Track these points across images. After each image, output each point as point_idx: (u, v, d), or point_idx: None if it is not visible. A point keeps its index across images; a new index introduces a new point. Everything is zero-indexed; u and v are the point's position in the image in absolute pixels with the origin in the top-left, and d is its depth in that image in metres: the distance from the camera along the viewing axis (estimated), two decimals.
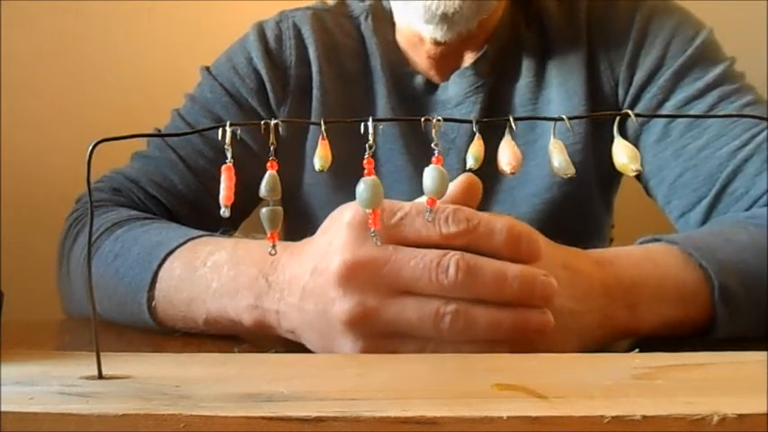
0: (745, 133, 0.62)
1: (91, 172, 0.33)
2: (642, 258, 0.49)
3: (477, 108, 0.73)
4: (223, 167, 0.34)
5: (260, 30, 0.77)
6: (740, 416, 0.29)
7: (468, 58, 0.74)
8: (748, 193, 0.60)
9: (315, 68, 0.76)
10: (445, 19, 0.66)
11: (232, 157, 0.34)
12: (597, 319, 0.45)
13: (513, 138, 0.34)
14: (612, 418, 0.29)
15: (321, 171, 0.34)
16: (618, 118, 0.35)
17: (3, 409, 0.31)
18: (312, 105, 0.76)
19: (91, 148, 0.33)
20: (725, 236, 0.52)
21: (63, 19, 1.12)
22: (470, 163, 0.34)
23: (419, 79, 0.75)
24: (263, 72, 0.76)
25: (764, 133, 0.61)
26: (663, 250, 0.50)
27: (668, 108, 0.67)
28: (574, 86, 0.71)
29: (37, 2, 1.10)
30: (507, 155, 0.34)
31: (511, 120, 0.34)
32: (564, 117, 0.35)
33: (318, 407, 0.30)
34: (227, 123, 0.34)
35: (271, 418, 0.30)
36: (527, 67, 0.73)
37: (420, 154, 0.74)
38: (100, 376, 0.36)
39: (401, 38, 0.76)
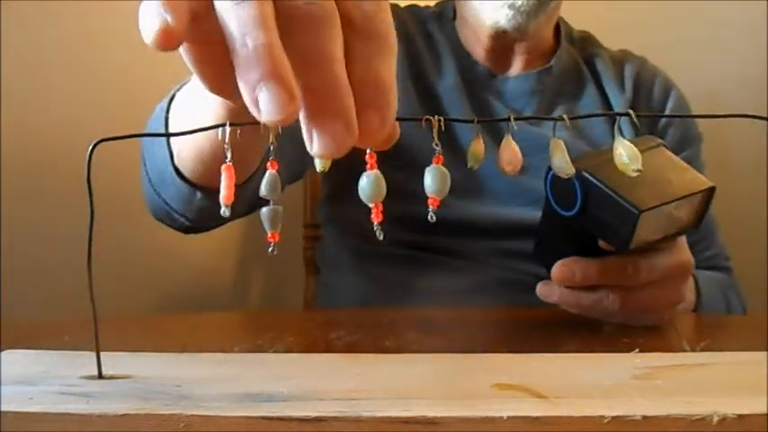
0: None
1: (91, 172, 0.33)
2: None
3: (533, 109, 0.85)
4: (223, 167, 0.34)
5: None
6: (740, 416, 0.29)
7: (518, 62, 0.87)
8: None
9: None
10: (513, 7, 0.81)
11: None
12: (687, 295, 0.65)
13: (513, 137, 0.34)
14: (612, 418, 0.29)
15: (322, 171, 0.34)
16: (618, 118, 0.36)
17: (3, 409, 0.31)
18: None
19: (91, 148, 0.33)
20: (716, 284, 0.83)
21: (63, 19, 1.12)
22: (471, 163, 0.34)
23: (482, 68, 0.87)
24: None
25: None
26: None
27: None
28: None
29: (37, 2, 1.10)
30: (507, 155, 0.34)
31: (511, 119, 0.34)
32: (564, 117, 0.35)
33: (318, 407, 0.30)
34: (227, 123, 0.34)
35: (271, 418, 0.30)
36: (588, 93, 0.88)
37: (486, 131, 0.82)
38: (100, 376, 0.36)
39: (464, 34, 0.88)
